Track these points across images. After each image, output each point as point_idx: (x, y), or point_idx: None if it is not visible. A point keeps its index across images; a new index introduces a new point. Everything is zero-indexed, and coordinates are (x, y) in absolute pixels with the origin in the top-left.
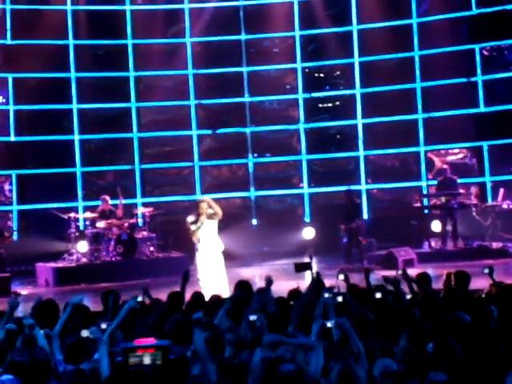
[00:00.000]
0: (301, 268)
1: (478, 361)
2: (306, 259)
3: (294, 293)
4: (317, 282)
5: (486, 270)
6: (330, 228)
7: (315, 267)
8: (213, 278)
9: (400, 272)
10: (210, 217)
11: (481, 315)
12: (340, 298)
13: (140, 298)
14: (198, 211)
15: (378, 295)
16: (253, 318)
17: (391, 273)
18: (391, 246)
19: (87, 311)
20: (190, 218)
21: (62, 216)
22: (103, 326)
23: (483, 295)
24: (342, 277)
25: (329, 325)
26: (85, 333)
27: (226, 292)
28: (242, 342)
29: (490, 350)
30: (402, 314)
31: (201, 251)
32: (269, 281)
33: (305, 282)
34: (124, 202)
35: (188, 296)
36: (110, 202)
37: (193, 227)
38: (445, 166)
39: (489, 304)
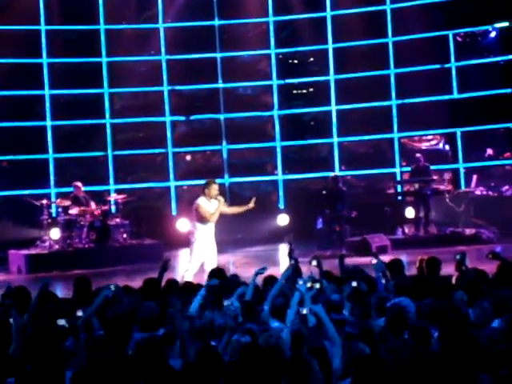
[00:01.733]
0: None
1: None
2: (286, 245)
3: (269, 279)
4: (294, 268)
5: (458, 257)
6: (304, 215)
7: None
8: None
9: (374, 260)
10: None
11: (450, 301)
12: (317, 285)
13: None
14: (212, 193)
15: (354, 284)
16: (227, 303)
17: (365, 260)
18: (365, 232)
19: (55, 297)
20: (203, 201)
21: (35, 203)
22: (79, 313)
23: (453, 281)
24: (314, 263)
25: (304, 312)
26: (61, 321)
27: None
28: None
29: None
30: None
31: (202, 235)
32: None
33: (279, 268)
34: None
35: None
36: (83, 188)
37: (209, 209)
38: (418, 155)
39: (457, 289)
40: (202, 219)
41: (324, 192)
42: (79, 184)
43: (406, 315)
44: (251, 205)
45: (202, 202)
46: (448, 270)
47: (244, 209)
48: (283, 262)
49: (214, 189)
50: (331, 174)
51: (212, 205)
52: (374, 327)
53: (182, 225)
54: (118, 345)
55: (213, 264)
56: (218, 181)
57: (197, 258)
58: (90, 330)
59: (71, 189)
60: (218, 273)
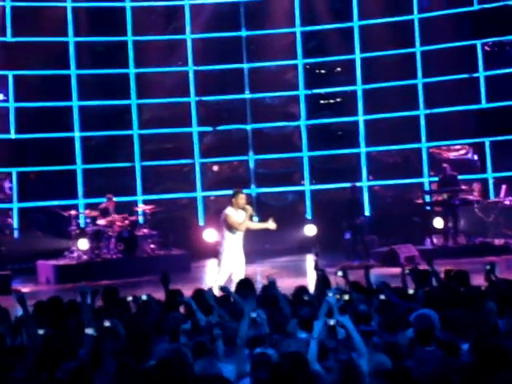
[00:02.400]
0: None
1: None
2: (312, 257)
3: (300, 289)
4: (322, 280)
5: (488, 267)
6: (332, 225)
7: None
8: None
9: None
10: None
11: (480, 311)
12: (346, 297)
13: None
14: (240, 202)
15: (382, 297)
16: (253, 314)
17: (393, 270)
18: (393, 242)
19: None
20: (232, 211)
21: (63, 213)
22: (106, 323)
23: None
24: (340, 273)
25: (331, 323)
26: (89, 330)
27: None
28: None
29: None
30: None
31: (231, 246)
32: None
33: (307, 279)
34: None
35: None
36: (114, 199)
37: (238, 218)
38: (444, 165)
39: (487, 300)
40: (231, 229)
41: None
42: (112, 196)
43: (433, 326)
44: (271, 226)
45: (230, 211)
46: (478, 280)
47: (263, 227)
48: (311, 273)
49: (242, 198)
50: (348, 184)
51: (239, 215)
52: (401, 339)
53: (209, 235)
54: (141, 355)
55: (241, 274)
56: (245, 191)
57: (225, 268)
58: (116, 338)
59: (99, 200)
60: (246, 284)
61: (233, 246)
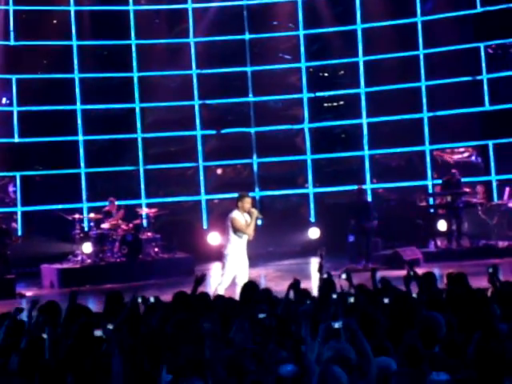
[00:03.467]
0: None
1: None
2: (317, 259)
3: (303, 293)
4: (328, 282)
5: (491, 270)
6: (336, 228)
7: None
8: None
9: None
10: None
11: (483, 314)
12: (352, 299)
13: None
14: (246, 206)
15: (386, 300)
16: (262, 315)
17: (397, 273)
18: (397, 245)
19: (88, 310)
20: (238, 215)
21: (67, 217)
22: (110, 326)
23: (489, 294)
24: (344, 276)
25: (336, 326)
26: (98, 332)
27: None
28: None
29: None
30: (409, 313)
31: (236, 249)
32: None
33: (311, 282)
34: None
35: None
36: (116, 203)
37: (241, 220)
38: (453, 170)
39: (491, 303)
40: (237, 232)
41: (352, 204)
42: (114, 199)
43: (436, 329)
44: (256, 214)
45: (236, 215)
46: (481, 283)
47: (255, 220)
48: (315, 276)
49: (247, 202)
50: (357, 186)
51: (245, 218)
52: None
53: (214, 238)
54: (152, 359)
55: (245, 278)
56: (249, 194)
57: (230, 271)
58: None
59: (103, 203)
60: (250, 286)
61: (237, 250)
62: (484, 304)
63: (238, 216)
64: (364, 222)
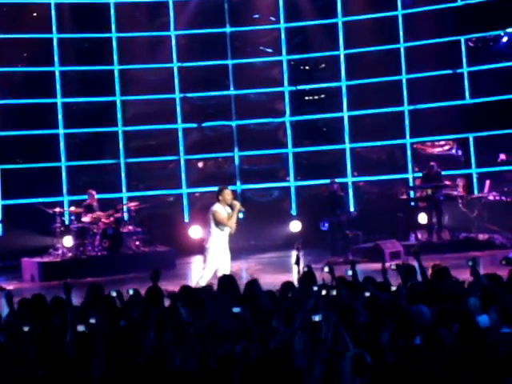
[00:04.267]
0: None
1: (468, 353)
2: (294, 251)
3: (287, 285)
4: (307, 275)
5: (470, 263)
6: (317, 221)
7: (303, 260)
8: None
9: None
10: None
11: (462, 306)
12: (334, 292)
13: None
14: (227, 198)
15: (367, 294)
16: (236, 310)
17: (377, 265)
18: (378, 238)
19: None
20: (219, 207)
21: (47, 211)
22: (91, 320)
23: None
24: (326, 269)
25: (316, 319)
26: (80, 327)
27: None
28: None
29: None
30: (388, 306)
31: (217, 242)
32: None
33: (292, 275)
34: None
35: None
36: (96, 196)
37: (223, 213)
38: (432, 163)
39: (470, 295)
40: (219, 225)
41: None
42: (93, 192)
43: (418, 320)
44: (238, 206)
45: (217, 208)
46: (462, 275)
47: (236, 212)
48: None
49: (228, 194)
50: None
51: (227, 211)
52: (383, 334)
53: (195, 232)
54: (130, 352)
55: (226, 270)
56: (231, 187)
57: (211, 264)
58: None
59: (84, 197)
60: (228, 279)
61: (219, 243)
62: (462, 296)
63: (220, 209)
64: (337, 216)
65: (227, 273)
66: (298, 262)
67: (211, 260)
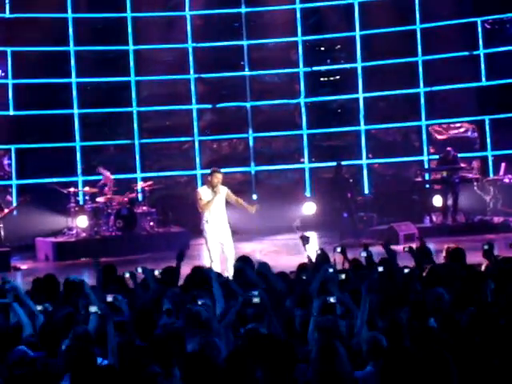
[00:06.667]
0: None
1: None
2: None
3: (304, 267)
4: (321, 257)
5: (486, 247)
6: (331, 203)
7: (313, 244)
8: (221, 250)
9: (406, 248)
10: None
11: (478, 289)
12: (343, 276)
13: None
14: (214, 181)
15: (380, 269)
16: (254, 293)
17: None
18: (392, 220)
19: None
20: (203, 190)
21: (62, 190)
22: (109, 298)
23: (482, 269)
24: (339, 249)
25: (332, 300)
26: (93, 308)
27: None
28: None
29: (489, 324)
30: (403, 288)
31: (210, 223)
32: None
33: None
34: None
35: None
36: (112, 177)
37: (205, 198)
38: (448, 148)
39: (486, 278)
40: (200, 208)
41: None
42: (107, 173)
43: (435, 302)
44: (250, 210)
45: (201, 189)
46: (477, 258)
47: (244, 207)
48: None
49: (216, 177)
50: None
51: (209, 194)
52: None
53: None
54: (145, 331)
55: (230, 248)
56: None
57: (211, 246)
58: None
59: (98, 177)
60: (245, 260)
61: (211, 223)
62: (479, 279)
63: (202, 191)
64: (346, 198)
65: (231, 250)
66: (304, 243)
67: (209, 241)
